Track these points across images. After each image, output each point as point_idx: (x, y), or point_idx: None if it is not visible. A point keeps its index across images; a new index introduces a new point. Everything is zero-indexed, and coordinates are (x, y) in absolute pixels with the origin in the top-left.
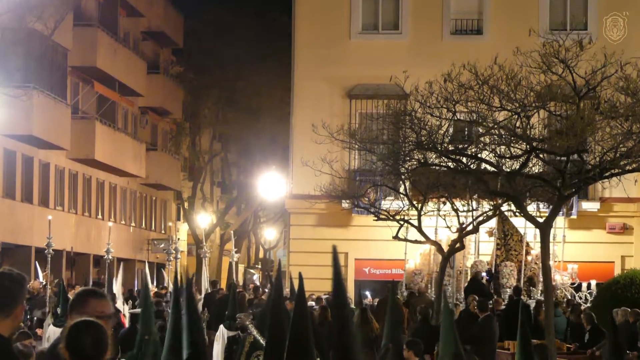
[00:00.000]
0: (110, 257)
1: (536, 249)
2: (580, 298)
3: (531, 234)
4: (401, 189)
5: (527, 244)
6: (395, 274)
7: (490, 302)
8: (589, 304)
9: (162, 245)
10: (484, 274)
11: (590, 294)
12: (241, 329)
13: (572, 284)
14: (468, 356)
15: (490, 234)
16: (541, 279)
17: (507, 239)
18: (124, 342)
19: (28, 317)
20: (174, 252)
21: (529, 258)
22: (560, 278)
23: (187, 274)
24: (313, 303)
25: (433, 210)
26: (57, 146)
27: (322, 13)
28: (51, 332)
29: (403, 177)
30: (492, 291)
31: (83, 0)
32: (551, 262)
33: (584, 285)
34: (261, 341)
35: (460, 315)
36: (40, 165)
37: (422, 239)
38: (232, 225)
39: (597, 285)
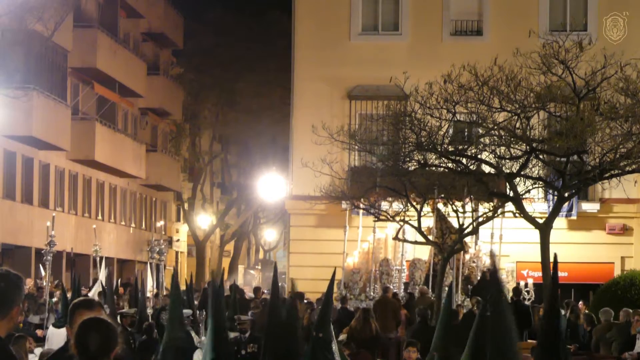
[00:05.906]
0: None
1: (473, 248)
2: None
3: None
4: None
5: (465, 243)
6: None
7: None
8: (527, 302)
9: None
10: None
11: (528, 292)
12: None
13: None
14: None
15: (428, 232)
16: (478, 278)
17: (445, 237)
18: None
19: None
20: (160, 252)
21: (467, 257)
22: None
23: (222, 275)
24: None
25: (433, 212)
26: (57, 147)
27: (322, 14)
28: (51, 333)
29: (403, 178)
30: None
31: (83, 1)
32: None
33: (522, 283)
34: None
35: (463, 317)
36: (40, 166)
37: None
38: (232, 226)
39: (535, 285)
